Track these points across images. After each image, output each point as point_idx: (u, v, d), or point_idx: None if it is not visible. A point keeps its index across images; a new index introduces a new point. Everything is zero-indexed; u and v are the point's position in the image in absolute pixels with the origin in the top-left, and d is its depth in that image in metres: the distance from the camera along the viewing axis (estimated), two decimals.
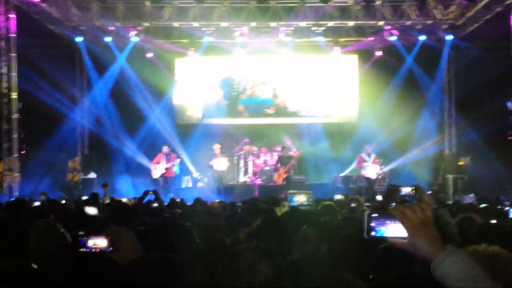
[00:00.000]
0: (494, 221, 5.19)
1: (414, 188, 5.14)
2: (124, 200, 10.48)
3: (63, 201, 9.77)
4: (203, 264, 4.06)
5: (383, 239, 1.85)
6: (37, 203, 8.66)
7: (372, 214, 1.86)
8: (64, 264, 3.36)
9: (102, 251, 2.49)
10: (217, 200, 10.29)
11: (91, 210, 6.45)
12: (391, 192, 5.26)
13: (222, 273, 3.92)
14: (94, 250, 2.49)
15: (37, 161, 16.35)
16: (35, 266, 3.41)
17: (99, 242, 2.50)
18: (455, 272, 1.69)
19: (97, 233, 2.54)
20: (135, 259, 2.47)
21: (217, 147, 16.53)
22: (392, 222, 1.82)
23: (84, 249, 2.51)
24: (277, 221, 3.42)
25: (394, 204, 5.59)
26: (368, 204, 8.24)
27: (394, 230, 1.82)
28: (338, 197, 9.07)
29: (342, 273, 3.15)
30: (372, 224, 1.85)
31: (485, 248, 2.35)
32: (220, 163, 16.38)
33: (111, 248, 2.49)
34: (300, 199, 6.33)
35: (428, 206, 1.83)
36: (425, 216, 1.79)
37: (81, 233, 2.55)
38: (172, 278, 2.65)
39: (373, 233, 1.84)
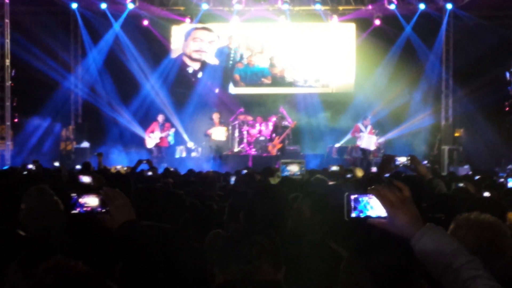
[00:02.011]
0: (487, 194, 5.19)
1: (409, 158, 5.12)
2: (117, 167, 10.47)
3: (57, 163, 9.71)
4: (193, 233, 4.04)
5: (363, 219, 1.81)
6: (30, 166, 8.62)
7: (351, 194, 1.82)
8: (56, 230, 3.33)
9: (93, 210, 2.48)
10: (211, 170, 10.27)
11: (86, 179, 6.41)
12: (387, 161, 5.24)
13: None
14: (85, 209, 2.48)
15: (30, 130, 16.25)
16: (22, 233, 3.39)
17: (90, 201, 2.49)
18: (434, 248, 1.69)
19: (88, 192, 2.52)
20: (127, 223, 2.45)
21: (216, 116, 16.52)
22: (372, 201, 1.81)
23: (76, 211, 2.50)
24: (270, 188, 3.38)
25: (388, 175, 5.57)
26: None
27: (374, 209, 1.80)
28: (333, 168, 9.02)
29: (328, 242, 3.13)
30: (352, 205, 1.82)
31: (477, 216, 2.34)
32: (219, 133, 16.34)
33: (102, 208, 2.48)
34: (293, 169, 6.28)
35: (405, 188, 1.81)
36: (403, 195, 1.78)
37: (73, 194, 2.53)
38: (162, 245, 2.63)
39: (353, 215, 1.82)
